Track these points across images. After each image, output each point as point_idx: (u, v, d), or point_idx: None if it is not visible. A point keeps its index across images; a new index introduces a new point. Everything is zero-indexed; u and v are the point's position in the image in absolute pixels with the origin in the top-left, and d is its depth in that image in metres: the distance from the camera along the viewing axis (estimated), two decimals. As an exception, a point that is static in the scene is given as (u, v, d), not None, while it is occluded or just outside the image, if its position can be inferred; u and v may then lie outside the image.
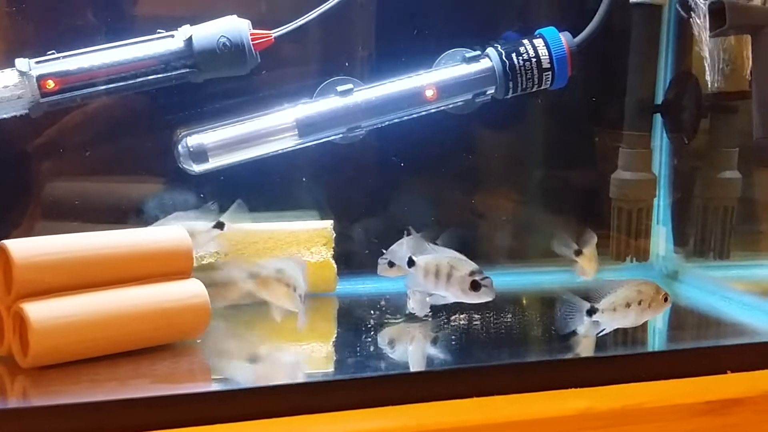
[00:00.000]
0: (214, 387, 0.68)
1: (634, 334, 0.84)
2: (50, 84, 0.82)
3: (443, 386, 0.68)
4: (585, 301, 0.77)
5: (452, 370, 0.72)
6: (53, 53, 0.82)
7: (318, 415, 0.65)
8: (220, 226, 0.85)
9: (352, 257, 0.97)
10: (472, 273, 0.75)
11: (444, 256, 0.78)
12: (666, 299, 0.79)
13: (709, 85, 0.94)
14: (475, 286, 0.75)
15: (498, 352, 0.79)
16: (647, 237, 1.01)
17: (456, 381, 0.70)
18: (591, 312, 0.77)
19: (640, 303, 0.78)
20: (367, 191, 1.01)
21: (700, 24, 0.91)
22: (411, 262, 0.79)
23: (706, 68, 0.93)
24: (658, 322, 0.83)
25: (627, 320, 0.79)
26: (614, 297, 0.78)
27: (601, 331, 0.78)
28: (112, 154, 0.92)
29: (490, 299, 0.77)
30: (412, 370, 0.71)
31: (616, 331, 0.80)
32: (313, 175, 0.98)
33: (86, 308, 0.68)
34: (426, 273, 0.77)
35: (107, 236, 0.73)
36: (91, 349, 0.68)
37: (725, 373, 0.75)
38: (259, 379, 0.69)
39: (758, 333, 0.87)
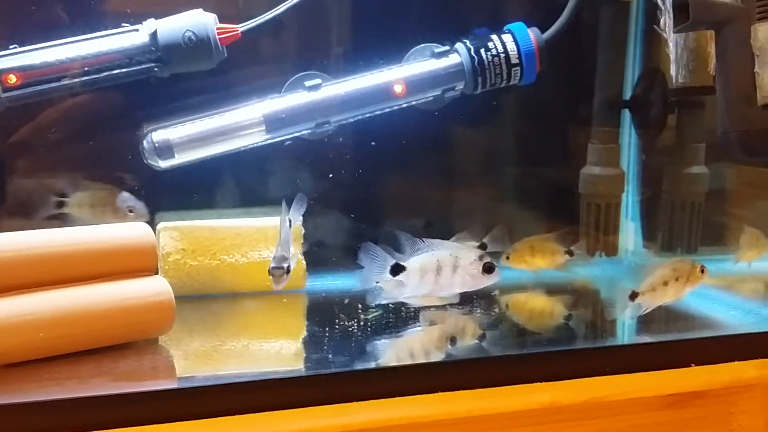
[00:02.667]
0: (177, 384, 0.67)
1: (602, 327, 0.85)
2: (12, 79, 0.80)
3: (408, 381, 0.69)
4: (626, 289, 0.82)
5: (417, 366, 0.72)
6: (15, 47, 0.81)
7: (283, 412, 0.65)
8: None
9: (322, 254, 0.97)
10: (481, 257, 0.76)
11: (438, 250, 0.76)
12: (703, 271, 0.83)
13: (674, 80, 0.95)
14: (488, 269, 0.75)
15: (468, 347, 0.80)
16: (616, 232, 1.02)
17: (420, 376, 0.70)
18: (633, 296, 0.81)
19: (677, 279, 0.82)
20: (337, 187, 1.01)
21: (665, 19, 0.92)
22: (398, 269, 0.75)
23: (672, 63, 0.94)
24: (625, 315, 0.84)
25: (667, 297, 0.82)
26: (652, 278, 0.82)
27: (645, 310, 0.81)
28: (80, 151, 0.91)
29: (497, 280, 0.77)
30: (375, 366, 0.71)
31: (583, 324, 0.80)
32: (283, 171, 0.97)
33: (47, 306, 0.67)
34: (423, 273, 0.75)
35: (68, 233, 0.72)
36: (53, 347, 0.67)
37: (689, 366, 0.76)
38: (223, 377, 0.68)
39: (723, 326, 0.88)
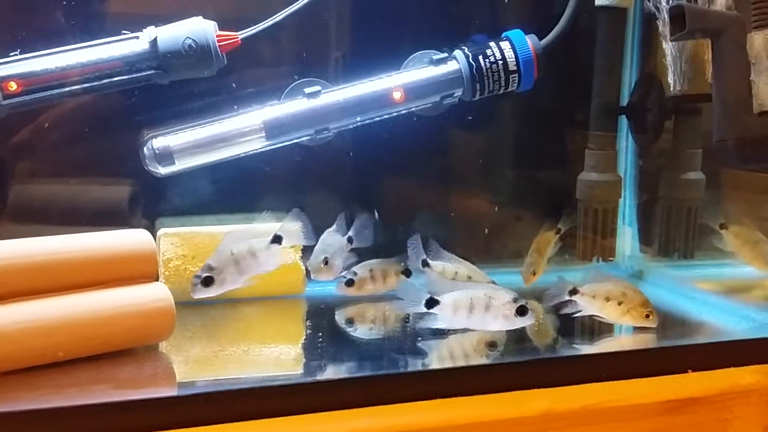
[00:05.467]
0: (177, 391, 0.67)
1: (599, 332, 0.85)
2: (13, 86, 0.80)
3: (406, 388, 0.69)
4: (570, 283, 0.85)
5: (416, 373, 0.72)
6: (16, 54, 0.81)
7: (283, 419, 0.65)
8: (277, 240, 0.84)
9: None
10: (515, 300, 0.78)
11: (473, 289, 0.79)
12: (648, 316, 0.82)
13: (671, 88, 0.95)
14: (522, 312, 0.78)
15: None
16: (613, 237, 1.02)
17: (419, 383, 0.70)
18: (573, 292, 0.84)
19: (620, 304, 0.82)
20: (336, 192, 1.01)
21: (663, 27, 0.92)
22: (432, 302, 0.79)
23: (669, 71, 0.95)
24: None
25: (603, 313, 0.83)
26: (598, 286, 0.83)
27: (577, 312, 0.84)
28: (81, 156, 0.91)
29: (532, 322, 0.79)
30: (374, 373, 0.71)
31: (581, 330, 0.81)
32: (284, 177, 0.98)
33: (46, 313, 0.68)
34: (456, 309, 0.78)
35: (68, 240, 0.72)
36: (52, 354, 0.68)
37: (686, 372, 0.76)
38: (224, 383, 0.69)
39: (720, 332, 0.89)
